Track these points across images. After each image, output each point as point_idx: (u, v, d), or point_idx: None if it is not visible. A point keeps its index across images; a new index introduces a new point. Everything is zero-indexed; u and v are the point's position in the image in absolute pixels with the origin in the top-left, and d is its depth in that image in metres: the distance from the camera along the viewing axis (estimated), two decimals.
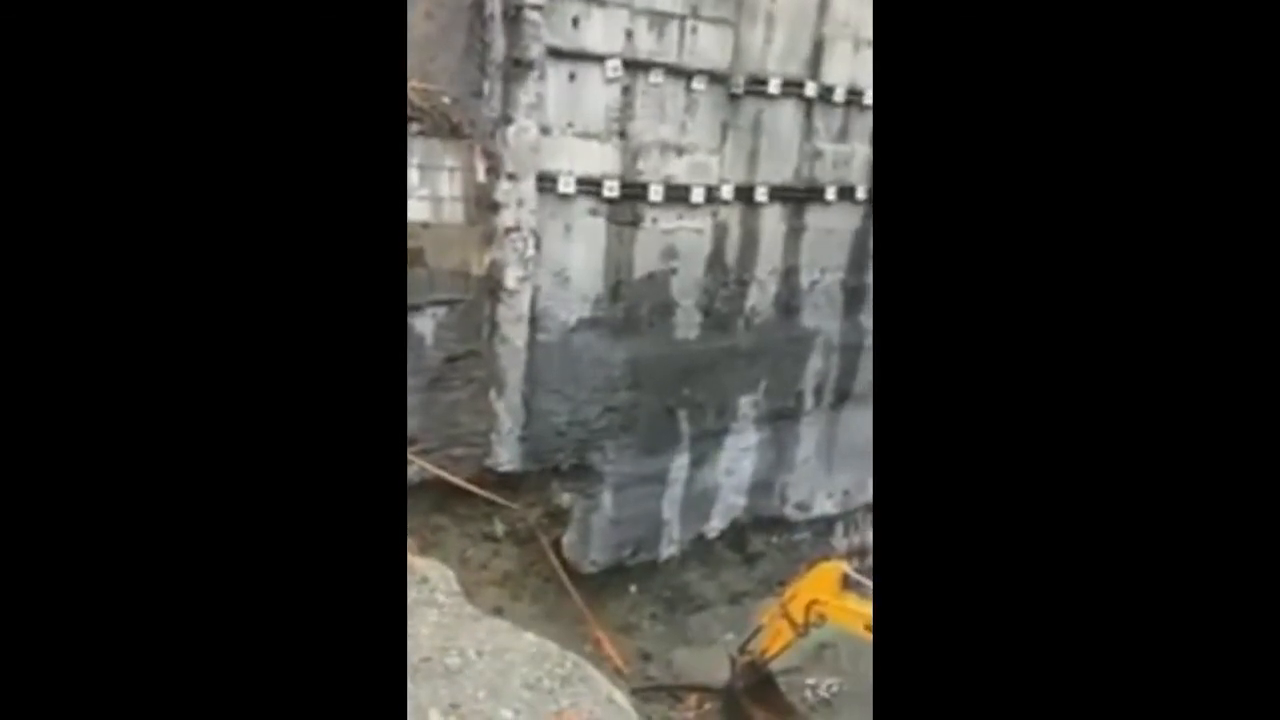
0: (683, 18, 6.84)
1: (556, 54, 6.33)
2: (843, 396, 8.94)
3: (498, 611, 5.98)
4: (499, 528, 6.99)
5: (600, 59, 6.54)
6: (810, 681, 7.41)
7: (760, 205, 7.77)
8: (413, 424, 6.25)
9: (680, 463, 7.92)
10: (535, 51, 6.19)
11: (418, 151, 6.01)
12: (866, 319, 8.76)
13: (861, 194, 8.34)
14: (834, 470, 9.14)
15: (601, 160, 6.77)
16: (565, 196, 6.66)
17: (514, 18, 6.10)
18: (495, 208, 6.40)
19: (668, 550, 8.08)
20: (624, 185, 6.89)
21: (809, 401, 8.74)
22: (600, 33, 6.49)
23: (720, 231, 7.64)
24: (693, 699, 7.16)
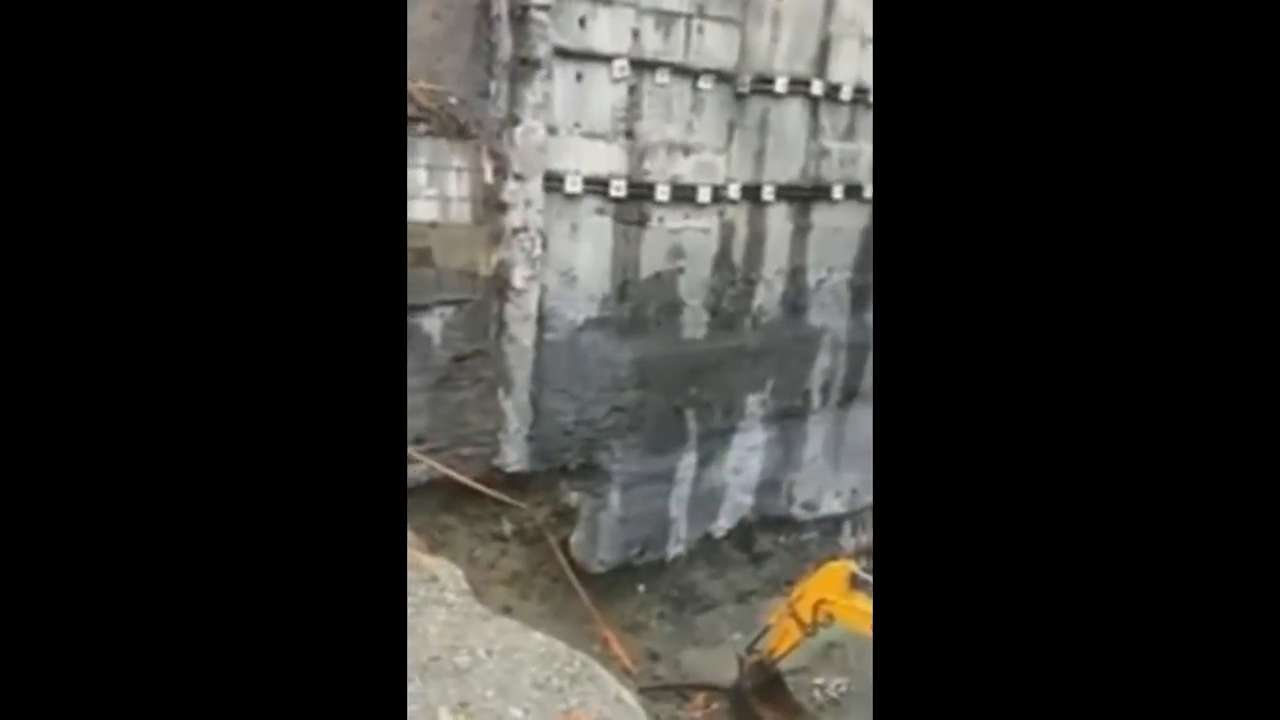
0: (689, 17, 6.85)
1: (563, 54, 6.34)
2: (850, 395, 8.93)
3: (506, 610, 5.99)
4: (507, 527, 7.00)
5: (607, 59, 6.55)
6: (818, 681, 7.40)
7: (767, 204, 7.77)
8: (420, 423, 6.27)
9: (688, 462, 7.92)
10: (542, 51, 6.20)
11: (425, 152, 6.02)
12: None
13: (868, 192, 8.33)
14: (841, 469, 9.14)
15: (608, 160, 6.78)
16: (572, 196, 6.67)
17: (521, 18, 6.11)
18: (502, 208, 6.42)
19: (675, 549, 8.08)
20: (631, 185, 6.90)
21: (816, 400, 8.74)
22: (607, 32, 6.50)
23: (727, 231, 7.64)
24: (700, 698, 7.16)
